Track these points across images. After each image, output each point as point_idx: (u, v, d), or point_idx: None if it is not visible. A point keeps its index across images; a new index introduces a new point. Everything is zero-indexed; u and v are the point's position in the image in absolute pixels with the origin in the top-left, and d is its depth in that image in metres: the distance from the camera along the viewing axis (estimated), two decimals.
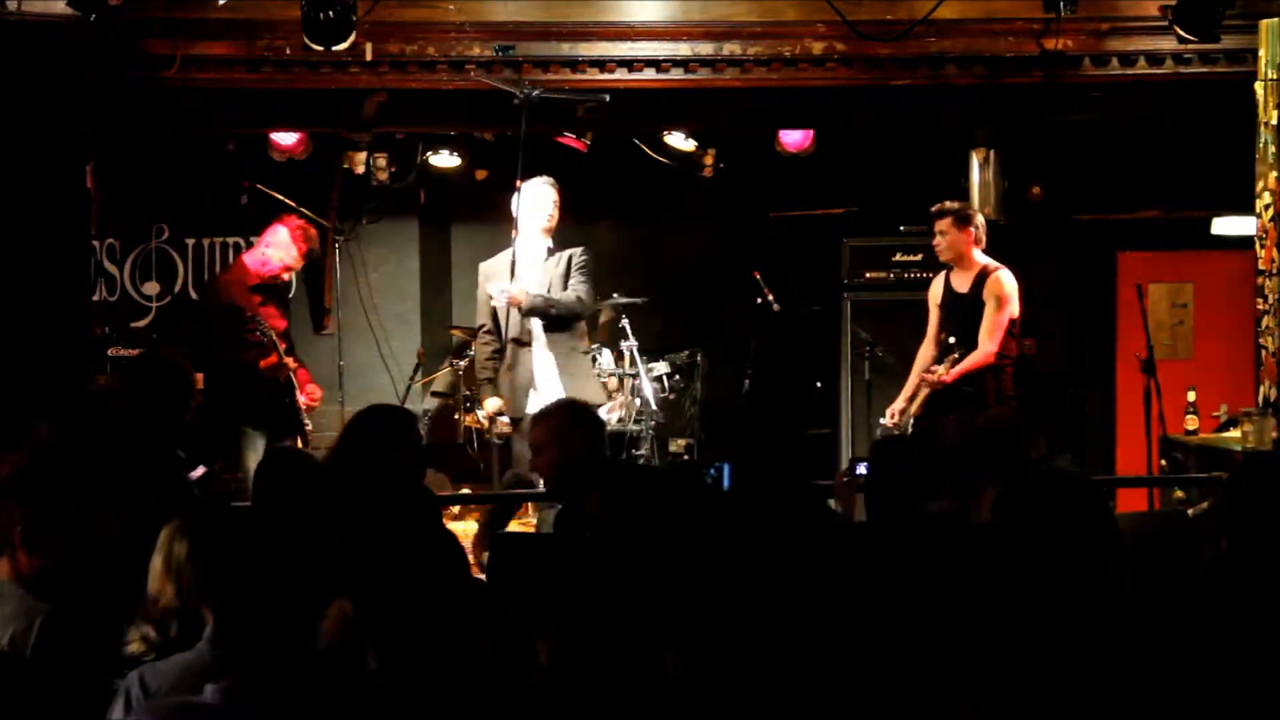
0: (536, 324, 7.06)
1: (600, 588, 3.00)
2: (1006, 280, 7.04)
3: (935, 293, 7.30)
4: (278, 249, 7.81)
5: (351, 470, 4.38)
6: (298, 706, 2.50)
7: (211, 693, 2.53)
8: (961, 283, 7.15)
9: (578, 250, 7.14)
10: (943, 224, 7.12)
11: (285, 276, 8.02)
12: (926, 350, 7.31)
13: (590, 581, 3.02)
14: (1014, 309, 7.04)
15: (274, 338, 7.52)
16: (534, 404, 6.89)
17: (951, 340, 7.07)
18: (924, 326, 7.37)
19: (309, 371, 8.14)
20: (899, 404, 7.23)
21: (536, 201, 7.12)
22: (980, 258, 7.14)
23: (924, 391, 7.01)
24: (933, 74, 7.30)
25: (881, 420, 7.34)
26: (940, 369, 6.91)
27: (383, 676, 2.78)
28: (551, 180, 7.21)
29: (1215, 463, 7.26)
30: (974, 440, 4.66)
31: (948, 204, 7.19)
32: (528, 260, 7.05)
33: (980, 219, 7.21)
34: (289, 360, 7.60)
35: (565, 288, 7.05)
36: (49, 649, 3.36)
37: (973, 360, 6.95)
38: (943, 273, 7.30)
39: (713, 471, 4.41)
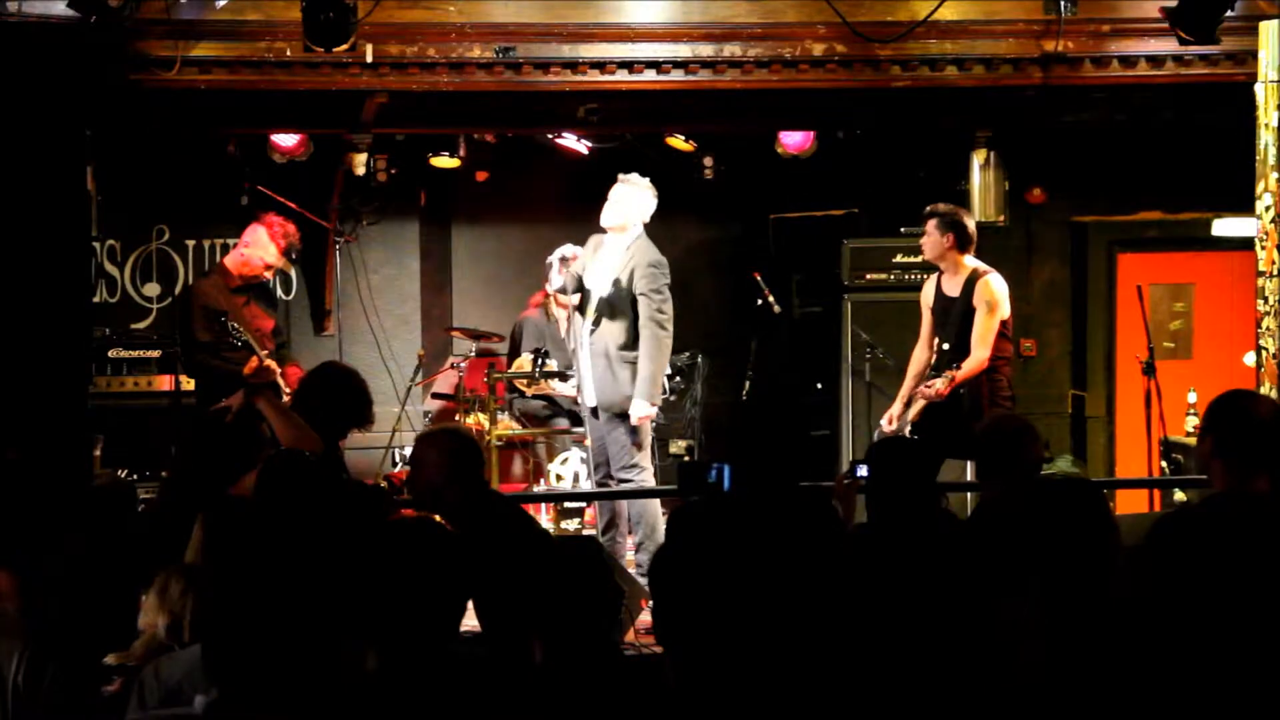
0: None
1: None
2: (996, 284, 7.03)
3: (927, 296, 7.30)
4: (256, 248, 7.83)
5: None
6: (286, 716, 2.49)
7: (200, 704, 2.52)
8: (952, 286, 7.14)
9: None
10: (928, 225, 7.13)
11: (267, 275, 8.01)
12: (920, 353, 7.30)
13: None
14: (1005, 312, 7.02)
15: (250, 341, 7.51)
16: None
17: (945, 346, 7.06)
18: None
19: (303, 369, 8.12)
20: (896, 407, 7.23)
21: None
22: (969, 261, 7.12)
23: (920, 402, 7.00)
24: (933, 75, 7.29)
25: (881, 424, 7.34)
26: (938, 383, 6.86)
27: (381, 678, 2.77)
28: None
29: None
30: None
31: (938, 206, 7.18)
32: None
33: (970, 223, 7.18)
34: (271, 363, 7.58)
35: None
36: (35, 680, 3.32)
37: (967, 369, 6.94)
38: (934, 275, 7.29)
39: (714, 473, 4.41)
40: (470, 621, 3.79)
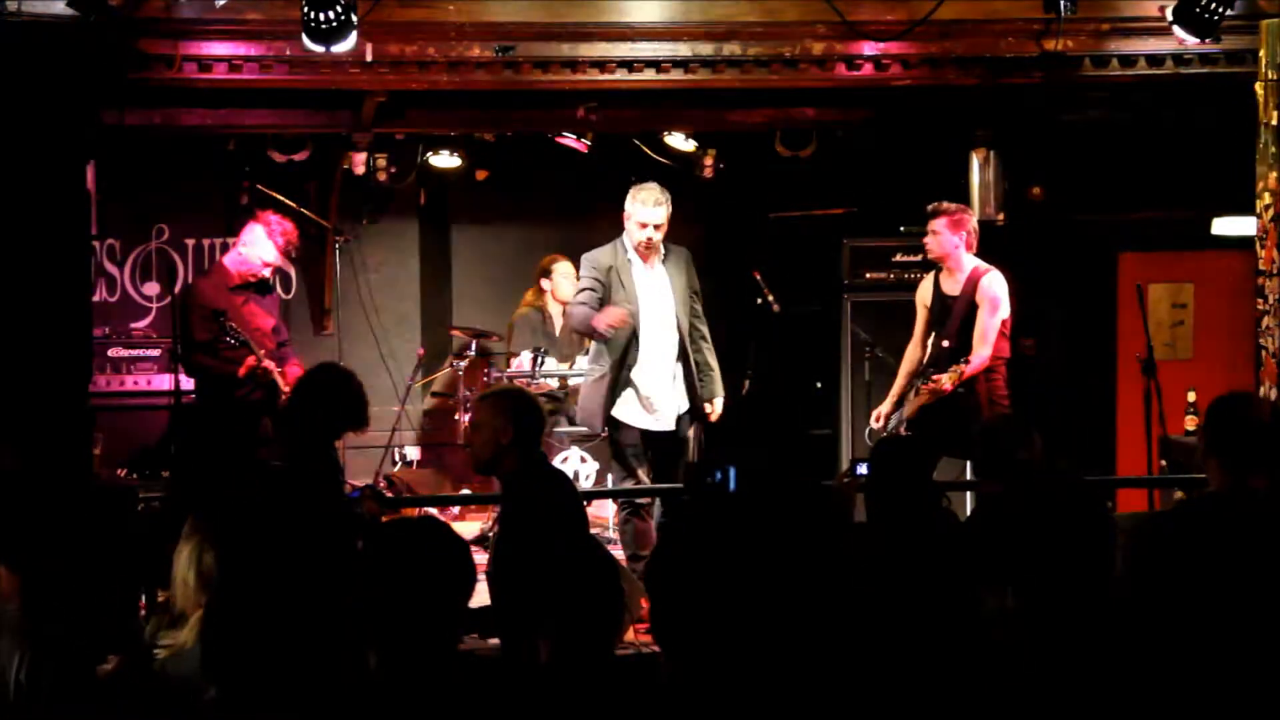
0: None
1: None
2: (998, 282, 7.03)
3: (924, 294, 7.29)
4: (254, 246, 7.84)
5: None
6: (288, 712, 2.48)
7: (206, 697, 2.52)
8: (951, 285, 7.14)
9: None
10: (935, 224, 7.12)
11: (267, 273, 8.02)
12: (913, 352, 7.30)
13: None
14: (1006, 311, 7.03)
15: (248, 340, 7.50)
16: None
17: (945, 343, 7.05)
18: None
19: (304, 368, 8.12)
20: (885, 407, 7.23)
21: None
22: (970, 260, 7.12)
23: (922, 398, 6.99)
24: (933, 74, 7.30)
25: (872, 425, 7.33)
26: (945, 379, 6.83)
27: (383, 677, 2.77)
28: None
29: None
30: None
31: (943, 205, 7.17)
32: None
33: (973, 222, 7.19)
34: (268, 363, 7.58)
35: None
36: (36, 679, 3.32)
37: (975, 366, 6.94)
38: (931, 274, 7.28)
39: (719, 475, 4.41)
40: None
